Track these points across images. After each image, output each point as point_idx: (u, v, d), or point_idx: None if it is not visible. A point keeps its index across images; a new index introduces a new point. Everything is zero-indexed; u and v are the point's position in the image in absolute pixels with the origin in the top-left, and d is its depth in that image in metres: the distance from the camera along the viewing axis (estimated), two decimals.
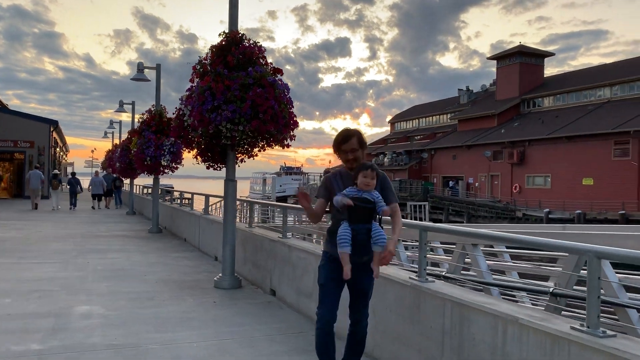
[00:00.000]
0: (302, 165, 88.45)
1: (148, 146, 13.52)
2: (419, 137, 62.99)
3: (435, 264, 8.82)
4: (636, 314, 4.50)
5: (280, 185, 75.94)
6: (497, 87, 56.30)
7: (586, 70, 52.36)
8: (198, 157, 7.79)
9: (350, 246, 3.49)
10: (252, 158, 7.88)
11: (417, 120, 68.21)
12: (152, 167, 13.91)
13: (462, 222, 41.10)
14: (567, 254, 4.98)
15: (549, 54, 55.47)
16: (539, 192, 42.92)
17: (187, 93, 7.40)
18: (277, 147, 7.43)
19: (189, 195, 15.61)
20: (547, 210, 37.60)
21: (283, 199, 67.11)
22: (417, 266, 7.67)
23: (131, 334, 5.20)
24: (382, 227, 3.64)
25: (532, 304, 6.18)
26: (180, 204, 15.69)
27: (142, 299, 6.74)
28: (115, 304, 6.42)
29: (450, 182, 52.36)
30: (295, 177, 79.95)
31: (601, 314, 5.27)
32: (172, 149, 13.71)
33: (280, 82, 6.98)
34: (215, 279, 7.64)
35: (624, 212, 32.87)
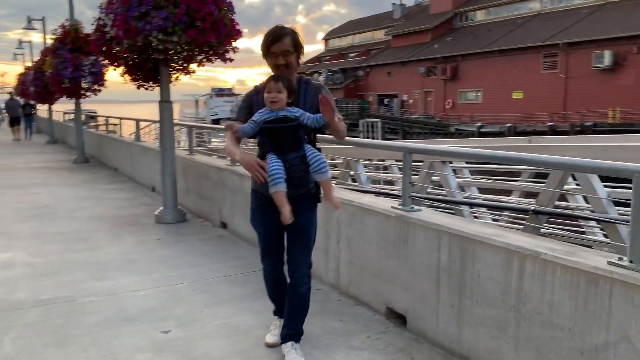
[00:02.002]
0: (233, 86, 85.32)
1: (65, 67, 11.99)
2: (353, 54, 61.78)
3: (388, 182, 8.42)
4: (625, 229, 4.21)
5: (212, 108, 73.40)
6: (430, 1, 55.35)
7: None
8: (126, 75, 6.76)
9: (285, 181, 2.77)
10: (188, 75, 6.94)
11: (351, 36, 66.66)
12: (72, 89, 12.46)
13: (397, 140, 41.41)
14: (549, 170, 4.58)
15: None
16: (471, 107, 43.58)
17: None
18: (217, 61, 6.53)
19: (117, 121, 14.32)
20: (479, 124, 38.30)
21: (216, 122, 65.05)
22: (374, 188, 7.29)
23: (64, 285, 4.44)
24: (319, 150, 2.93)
25: (493, 220, 5.91)
26: (108, 130, 14.39)
27: (74, 240, 5.91)
28: (42, 249, 5.57)
29: (386, 99, 52.21)
30: (227, 99, 77.27)
31: (589, 231, 5.05)
32: (92, 69, 12.26)
33: None
34: (156, 213, 6.87)
35: (552, 123, 33.93)
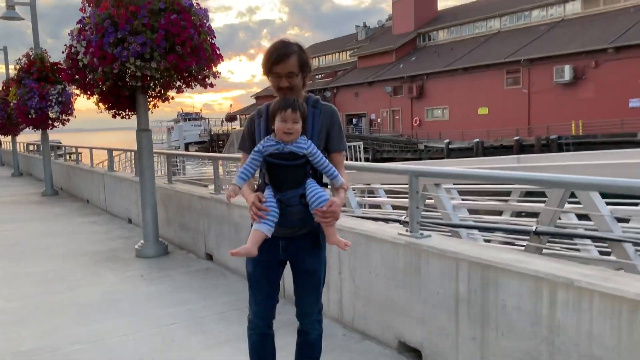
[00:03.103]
0: (200, 110, 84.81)
1: (31, 97, 11.52)
2: (320, 76, 62.11)
3: (374, 206, 8.27)
4: (632, 247, 4.14)
5: (184, 132, 72.70)
6: (393, 22, 56.30)
7: (477, 3, 53.58)
8: (100, 103, 6.48)
9: (272, 224, 2.41)
10: (167, 102, 6.71)
11: (317, 58, 67.10)
12: (39, 120, 11.96)
13: (368, 159, 41.54)
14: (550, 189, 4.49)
15: None
16: (438, 124, 44.16)
17: (78, 26, 6.01)
18: (197, 87, 6.32)
19: (86, 151, 13.85)
20: (448, 140, 38.76)
21: (184, 147, 64.44)
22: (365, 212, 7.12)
23: (46, 333, 4.10)
24: (324, 186, 2.55)
25: (485, 241, 5.79)
26: (77, 160, 13.87)
27: (51, 280, 5.54)
28: (16, 292, 5.19)
29: (354, 119, 52.56)
30: (194, 123, 76.77)
31: (584, 249, 4.97)
32: (60, 98, 11.82)
33: (197, 6, 5.78)
34: (136, 246, 6.53)
35: (518, 137, 34.59)
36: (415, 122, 46.55)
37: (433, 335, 3.22)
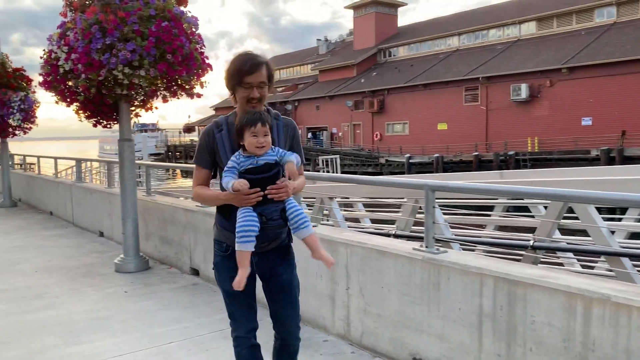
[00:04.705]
0: (157, 122, 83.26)
1: None
2: (281, 88, 62.16)
3: (353, 220, 8.22)
4: (629, 261, 4.23)
5: (135, 144, 70.94)
6: (354, 37, 57.00)
7: (435, 20, 54.98)
8: (80, 112, 6.23)
9: (254, 239, 2.37)
10: (150, 111, 6.51)
11: (278, 71, 66.59)
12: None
13: (329, 172, 41.63)
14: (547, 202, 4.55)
15: (402, 4, 57.19)
16: (398, 139, 44.78)
17: (59, 31, 5.78)
18: (184, 97, 6.16)
19: (42, 161, 13.30)
20: (408, 155, 39.36)
21: (147, 158, 63.07)
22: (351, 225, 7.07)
23: (32, 354, 3.84)
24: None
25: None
26: (39, 171, 13.28)
27: (27, 297, 5.22)
28: None
29: (309, 133, 52.67)
30: (151, 134, 75.33)
31: (594, 263, 5.06)
32: (22, 105, 11.35)
33: (189, 13, 5.65)
34: (115, 261, 6.26)
35: (477, 153, 35.45)
36: (376, 137, 47.07)
37: (453, 351, 3.18)
